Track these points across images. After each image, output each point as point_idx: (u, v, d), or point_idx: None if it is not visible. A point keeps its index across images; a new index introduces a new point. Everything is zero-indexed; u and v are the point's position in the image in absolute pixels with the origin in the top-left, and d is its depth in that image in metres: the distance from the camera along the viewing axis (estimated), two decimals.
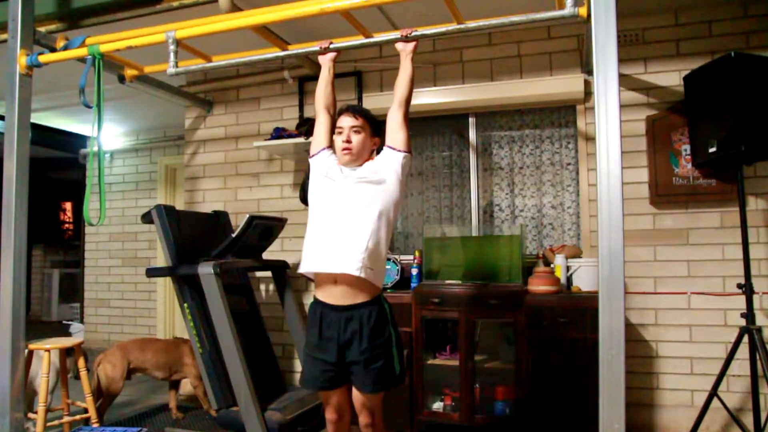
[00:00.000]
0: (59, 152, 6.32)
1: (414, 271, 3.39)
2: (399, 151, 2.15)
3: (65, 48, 2.79)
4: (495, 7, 2.67)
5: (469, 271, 3.28)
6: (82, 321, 6.30)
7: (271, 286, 3.98)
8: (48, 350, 2.82)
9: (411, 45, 2.26)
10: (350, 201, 2.11)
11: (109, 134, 5.99)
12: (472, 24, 2.31)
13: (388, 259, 3.40)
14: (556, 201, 3.51)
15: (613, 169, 1.82)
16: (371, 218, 2.07)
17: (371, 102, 3.67)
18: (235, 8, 2.70)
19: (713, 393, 2.70)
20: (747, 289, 2.64)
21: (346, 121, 2.19)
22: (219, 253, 3.27)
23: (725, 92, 2.65)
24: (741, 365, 2.82)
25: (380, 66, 3.75)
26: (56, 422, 3.04)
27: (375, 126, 2.26)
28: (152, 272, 3.51)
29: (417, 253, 3.44)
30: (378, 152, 2.24)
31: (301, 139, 3.53)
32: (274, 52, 2.67)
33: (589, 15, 1.95)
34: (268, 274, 3.86)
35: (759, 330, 2.61)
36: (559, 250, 3.23)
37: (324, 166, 2.23)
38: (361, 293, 2.08)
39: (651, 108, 3.22)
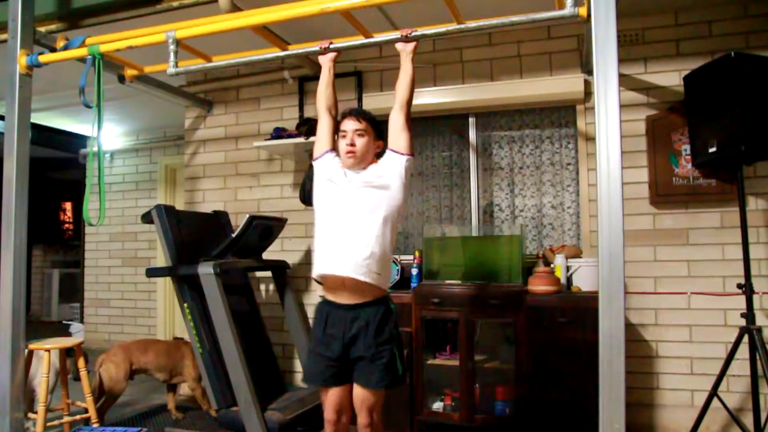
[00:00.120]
0: (59, 152, 6.33)
1: (414, 271, 3.39)
2: (402, 154, 2.16)
3: (65, 48, 2.79)
4: (495, 7, 2.67)
5: (469, 271, 3.28)
6: (82, 321, 6.30)
7: (271, 286, 3.97)
8: (48, 350, 2.82)
9: (411, 45, 2.26)
10: (355, 206, 2.12)
11: (109, 134, 5.99)
12: (472, 24, 2.31)
13: None
14: (556, 201, 3.51)
15: (613, 169, 1.82)
16: (376, 224, 2.09)
17: (371, 102, 3.67)
18: (235, 8, 2.70)
19: (713, 393, 2.70)
20: (747, 289, 2.64)
21: (349, 125, 2.20)
22: (219, 253, 3.27)
23: (725, 92, 2.65)
24: (741, 365, 2.81)
25: (380, 66, 3.75)
26: (56, 422, 3.04)
27: (378, 129, 2.27)
28: (152, 272, 3.51)
29: (417, 253, 3.44)
30: (381, 155, 2.24)
31: (301, 139, 3.53)
32: (274, 52, 2.67)
33: (589, 15, 1.95)
34: (268, 274, 3.87)
35: (759, 330, 2.60)
36: (559, 250, 3.23)
37: (328, 169, 2.23)
38: (369, 294, 2.12)
39: (651, 108, 3.22)
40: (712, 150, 2.71)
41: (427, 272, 3.36)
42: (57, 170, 8.06)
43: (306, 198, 3.56)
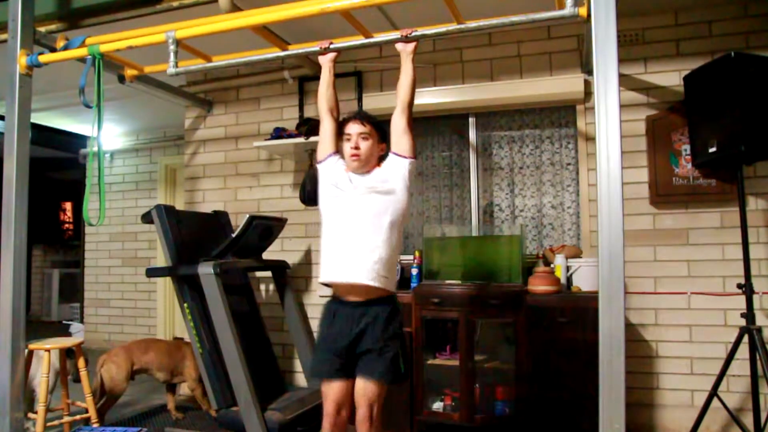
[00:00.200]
0: (59, 152, 6.33)
1: (414, 271, 3.39)
2: (405, 157, 2.17)
3: (65, 48, 2.79)
4: (495, 7, 2.67)
5: (469, 271, 3.28)
6: (82, 321, 6.30)
7: (271, 286, 3.97)
8: (48, 350, 2.82)
9: (411, 45, 2.26)
10: (361, 212, 2.13)
11: (109, 134, 5.99)
12: (472, 24, 2.31)
13: None
14: (556, 201, 3.51)
15: (613, 169, 1.82)
16: (382, 229, 2.11)
17: (371, 102, 3.67)
18: (235, 8, 2.70)
19: (713, 393, 2.70)
20: (747, 289, 2.64)
21: (354, 128, 2.21)
22: (219, 253, 3.27)
23: (725, 92, 2.65)
24: (741, 365, 2.81)
25: (380, 66, 3.75)
26: (56, 422, 3.03)
27: (382, 132, 2.28)
28: (152, 272, 3.51)
29: (417, 253, 3.44)
30: (384, 158, 2.24)
31: (301, 139, 3.53)
32: (274, 52, 2.67)
33: (589, 15, 1.95)
34: (268, 274, 3.87)
35: (759, 330, 2.60)
36: (559, 250, 3.23)
37: (333, 174, 2.24)
38: (376, 293, 2.15)
39: (651, 108, 3.22)
40: (712, 150, 2.71)
41: (427, 272, 3.36)
42: (57, 170, 8.06)
43: (306, 198, 3.56)
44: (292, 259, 3.87)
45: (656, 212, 3.20)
